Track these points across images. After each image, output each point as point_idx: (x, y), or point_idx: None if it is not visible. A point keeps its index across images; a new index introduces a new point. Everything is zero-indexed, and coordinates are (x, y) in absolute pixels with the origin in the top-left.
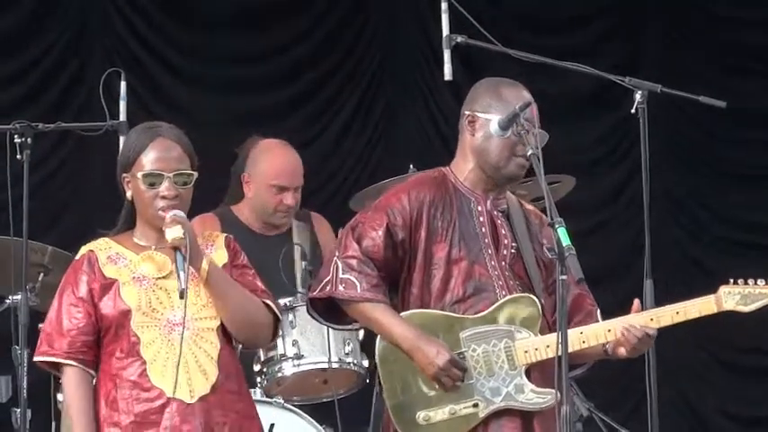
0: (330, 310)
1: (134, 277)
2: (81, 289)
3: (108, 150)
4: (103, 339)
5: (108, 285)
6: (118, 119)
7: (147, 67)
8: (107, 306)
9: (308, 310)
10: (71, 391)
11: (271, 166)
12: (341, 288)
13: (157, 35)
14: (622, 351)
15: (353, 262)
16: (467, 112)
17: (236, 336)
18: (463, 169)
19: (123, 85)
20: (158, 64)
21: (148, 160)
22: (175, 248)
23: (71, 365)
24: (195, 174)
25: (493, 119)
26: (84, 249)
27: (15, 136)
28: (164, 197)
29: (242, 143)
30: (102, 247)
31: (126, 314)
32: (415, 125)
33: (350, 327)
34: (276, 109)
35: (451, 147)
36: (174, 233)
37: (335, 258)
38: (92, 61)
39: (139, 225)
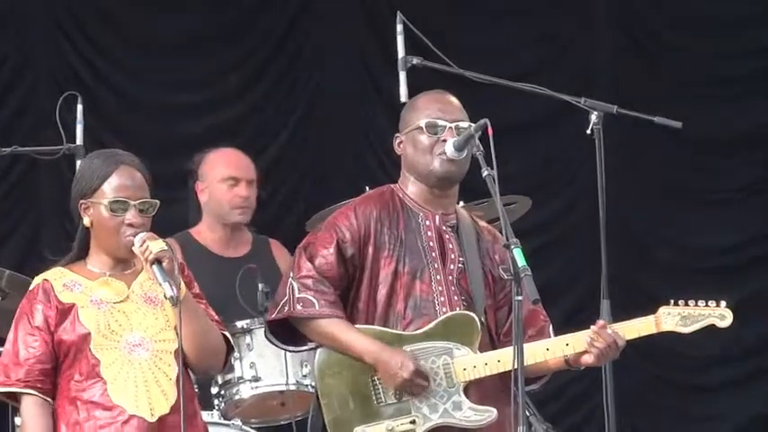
0: (286, 334)
1: (92, 300)
2: (37, 318)
3: (58, 174)
4: (62, 365)
5: (66, 310)
6: (74, 143)
7: (92, 91)
8: (66, 331)
9: (265, 335)
10: (30, 420)
11: (220, 162)
12: (299, 307)
13: (104, 59)
14: (587, 359)
15: (309, 281)
16: (395, 136)
17: (193, 362)
18: (407, 185)
19: (80, 108)
20: (104, 88)
21: (112, 188)
22: (158, 261)
23: (29, 394)
24: (158, 202)
25: (412, 132)
26: (38, 279)
27: None
28: (130, 225)
29: (184, 168)
30: (57, 276)
31: (85, 337)
32: (354, 147)
33: (306, 348)
34: (221, 132)
35: (388, 168)
36: (158, 246)
37: (290, 279)
38: (38, 86)
39: (94, 252)
